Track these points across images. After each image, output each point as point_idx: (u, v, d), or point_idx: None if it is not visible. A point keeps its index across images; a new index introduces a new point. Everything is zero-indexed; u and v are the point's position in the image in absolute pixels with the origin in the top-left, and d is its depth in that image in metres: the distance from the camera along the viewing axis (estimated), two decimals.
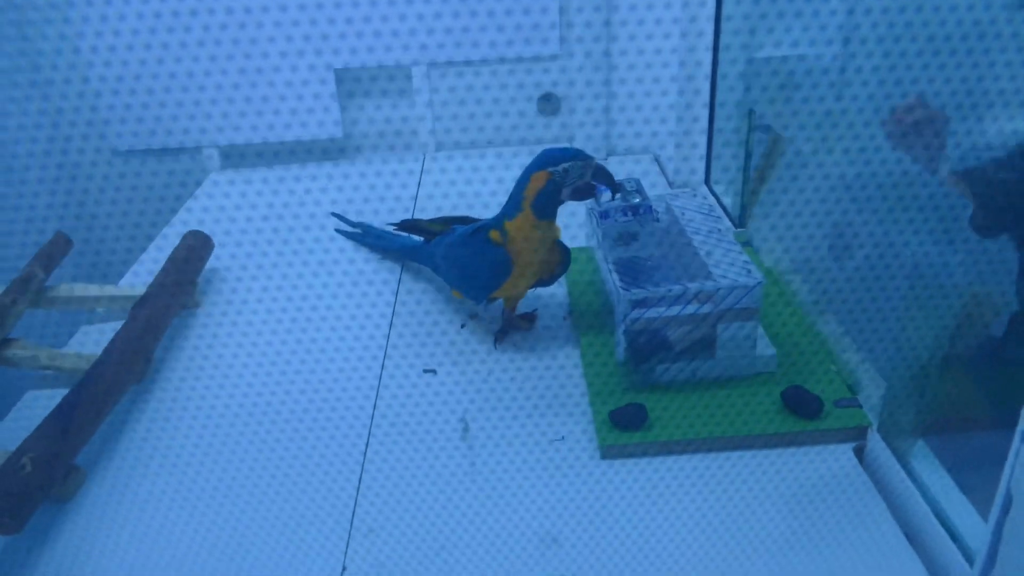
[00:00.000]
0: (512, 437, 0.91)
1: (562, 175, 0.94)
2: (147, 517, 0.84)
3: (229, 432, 0.95)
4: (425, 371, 1.02)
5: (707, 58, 1.28)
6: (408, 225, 1.25)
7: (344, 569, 0.76)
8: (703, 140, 1.37)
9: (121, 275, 1.32)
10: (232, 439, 0.94)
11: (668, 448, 0.87)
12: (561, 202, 0.97)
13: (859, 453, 0.86)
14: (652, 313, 0.90)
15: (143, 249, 1.39)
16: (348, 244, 1.35)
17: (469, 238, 1.02)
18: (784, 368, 0.95)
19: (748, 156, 1.17)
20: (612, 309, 0.97)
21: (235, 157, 1.68)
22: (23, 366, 1.04)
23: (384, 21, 1.52)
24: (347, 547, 0.79)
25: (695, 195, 1.10)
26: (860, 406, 0.89)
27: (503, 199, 1.38)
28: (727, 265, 0.92)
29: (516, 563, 0.76)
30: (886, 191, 1.14)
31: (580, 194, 0.96)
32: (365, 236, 1.34)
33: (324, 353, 1.07)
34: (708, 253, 0.95)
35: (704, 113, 1.34)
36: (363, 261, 1.30)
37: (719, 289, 0.89)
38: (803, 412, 0.88)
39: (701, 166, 1.41)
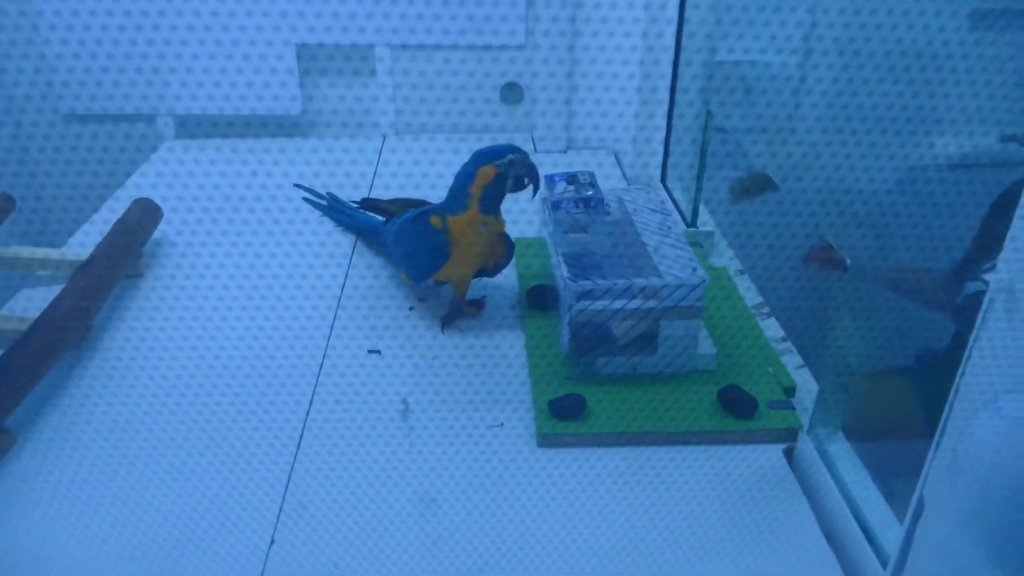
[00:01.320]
0: (452, 420, 0.91)
1: (507, 167, 0.96)
2: (76, 483, 0.83)
3: (165, 402, 0.94)
4: (370, 351, 1.02)
5: (668, 57, 1.30)
6: (368, 203, 1.26)
7: (273, 541, 0.76)
8: (661, 138, 1.39)
9: (66, 239, 1.29)
10: (168, 409, 0.93)
11: (604, 440, 0.88)
12: (503, 196, 0.99)
13: (789, 454, 0.88)
14: (597, 305, 0.91)
15: (92, 213, 1.37)
16: (299, 219, 1.34)
17: (413, 221, 1.04)
18: (723, 367, 0.97)
19: (703, 156, 1.19)
20: (559, 299, 0.98)
21: (190, 127, 1.65)
22: None
23: None
24: (278, 520, 0.79)
25: (648, 191, 1.12)
26: (793, 408, 0.91)
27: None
28: (673, 262, 0.94)
29: (443, 544, 0.77)
30: (834, 199, 1.17)
31: (517, 185, 0.98)
32: (329, 208, 1.35)
33: (268, 327, 1.07)
34: (656, 249, 0.97)
35: (662, 111, 1.35)
36: (313, 236, 1.30)
37: (664, 286, 0.91)
38: (738, 412, 0.90)
39: (658, 164, 1.42)
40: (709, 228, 1.27)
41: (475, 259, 1.02)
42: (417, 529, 0.78)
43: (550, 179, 1.06)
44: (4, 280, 1.16)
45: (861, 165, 1.26)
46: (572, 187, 1.01)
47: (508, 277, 1.15)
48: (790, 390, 0.95)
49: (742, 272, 1.23)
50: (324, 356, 1.01)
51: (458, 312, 1.08)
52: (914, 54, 1.24)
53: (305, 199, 1.39)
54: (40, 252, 1.12)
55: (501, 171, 0.96)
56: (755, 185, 1.21)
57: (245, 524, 0.78)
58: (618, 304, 0.91)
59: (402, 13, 1.52)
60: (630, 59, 1.39)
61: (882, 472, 0.83)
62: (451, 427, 0.90)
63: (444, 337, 1.05)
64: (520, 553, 0.76)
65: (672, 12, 1.27)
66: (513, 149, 0.97)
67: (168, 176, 1.51)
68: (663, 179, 1.42)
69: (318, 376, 0.98)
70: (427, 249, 1.01)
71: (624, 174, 1.49)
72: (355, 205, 1.30)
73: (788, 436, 0.89)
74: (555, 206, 0.98)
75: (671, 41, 1.29)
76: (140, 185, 1.46)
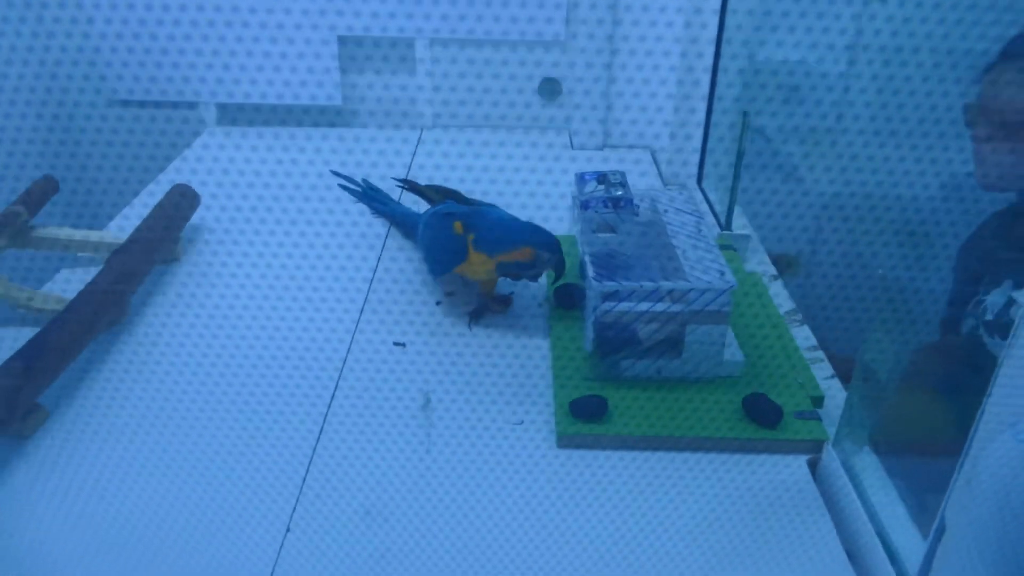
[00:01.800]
0: (472, 416, 0.91)
1: (539, 260, 0.98)
2: (103, 461, 0.85)
3: (192, 383, 0.96)
4: (395, 344, 1.02)
5: (707, 56, 1.28)
6: (410, 184, 1.27)
7: (288, 530, 0.77)
8: (698, 138, 1.37)
9: (108, 222, 1.32)
10: (196, 390, 0.95)
11: (624, 443, 0.88)
12: (519, 279, 1.02)
13: (813, 466, 0.87)
14: (623, 307, 0.90)
15: (133, 197, 1.39)
16: (336, 208, 1.35)
17: (440, 217, 1.05)
18: (750, 375, 0.96)
19: (740, 158, 1.17)
20: (584, 299, 0.97)
21: (233, 114, 1.68)
22: None
23: None
24: (294, 509, 0.79)
25: (681, 192, 1.10)
26: (819, 419, 0.90)
27: (496, 178, 1.38)
28: (702, 266, 0.93)
29: (456, 540, 0.77)
30: (870, 206, 1.15)
31: (532, 277, 1.02)
32: (364, 195, 1.36)
33: (298, 315, 1.08)
34: (685, 253, 0.95)
35: (700, 111, 1.33)
36: (347, 225, 1.30)
37: (691, 290, 0.89)
38: (762, 420, 0.89)
39: (694, 164, 1.40)
40: (745, 232, 1.25)
41: (488, 275, 1.04)
42: (430, 523, 0.78)
43: (580, 177, 1.06)
44: (46, 260, 1.19)
45: (900, 168, 1.23)
46: (602, 186, 1.00)
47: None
48: (818, 400, 0.93)
49: (776, 277, 1.21)
50: (350, 346, 1.02)
51: (485, 308, 1.08)
52: (964, 58, 1.21)
53: (341, 185, 1.40)
54: (80, 234, 1.15)
55: (536, 259, 0.98)
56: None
57: (267, 509, 0.79)
58: (644, 306, 0.90)
59: (443, 7, 1.52)
60: (669, 57, 1.37)
61: (915, 487, 0.81)
62: (470, 423, 0.90)
63: (470, 333, 1.05)
64: (535, 552, 0.76)
65: (713, 9, 1.25)
66: (557, 248, 0.98)
67: (208, 162, 1.53)
68: (699, 180, 1.40)
69: (343, 366, 0.99)
70: (446, 248, 1.03)
71: (660, 174, 1.48)
72: (398, 184, 1.31)
73: (813, 448, 0.88)
74: (584, 205, 0.97)
75: (711, 39, 1.27)
76: (181, 170, 1.49)
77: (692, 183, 1.42)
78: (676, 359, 0.93)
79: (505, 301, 1.09)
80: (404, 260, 1.21)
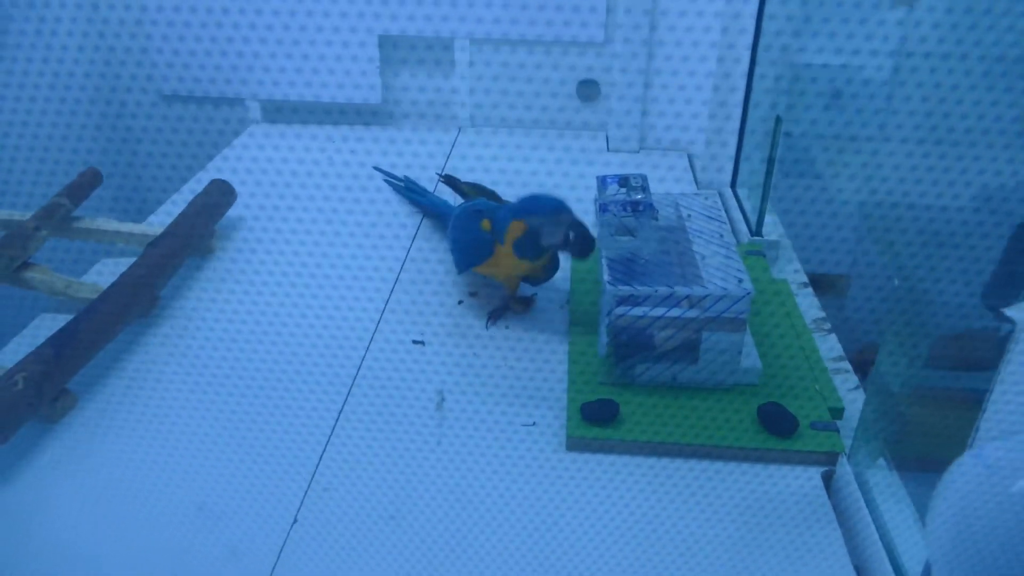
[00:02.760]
0: (486, 415, 0.92)
1: (536, 228, 0.95)
2: (128, 447, 0.88)
3: (217, 374, 0.98)
4: (414, 342, 1.03)
5: (744, 59, 1.26)
6: (448, 179, 1.30)
7: (295, 521, 0.79)
8: (733, 143, 1.35)
9: (150, 214, 1.36)
10: (220, 382, 0.97)
11: (634, 448, 0.87)
12: (542, 250, 0.98)
13: (827, 479, 0.85)
14: (637, 311, 0.90)
15: (175, 191, 1.43)
16: (370, 207, 1.37)
17: (469, 214, 1.06)
18: (769, 383, 0.94)
19: (771, 163, 1.15)
20: (603, 302, 0.97)
21: (276, 112, 1.71)
22: (39, 290, 1.08)
23: None
24: (302, 501, 0.81)
25: (707, 198, 1.09)
26: (837, 431, 0.88)
27: (530, 180, 1.39)
28: (720, 272, 0.92)
29: (463, 538, 0.77)
30: (913, 216, 1.11)
31: (573, 249, 0.96)
32: (406, 189, 1.39)
33: (323, 309, 1.10)
34: (704, 258, 0.94)
35: (737, 115, 1.32)
36: (383, 223, 1.32)
37: (706, 295, 0.89)
38: (776, 430, 0.87)
39: (729, 169, 1.39)
40: (775, 238, 1.23)
41: (513, 272, 1.04)
42: (435, 521, 0.79)
43: (602, 180, 1.05)
44: (88, 250, 1.23)
45: (945, 179, 1.19)
46: (624, 190, 0.99)
47: (560, 278, 1.14)
48: (837, 412, 0.91)
49: (806, 285, 1.19)
50: (370, 342, 1.04)
51: (506, 308, 1.08)
52: (1015, 65, 1.17)
53: (385, 180, 1.43)
54: (118, 225, 1.19)
55: (530, 229, 0.96)
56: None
57: (277, 500, 0.81)
58: (659, 311, 0.89)
59: (482, 7, 1.52)
60: (706, 61, 1.36)
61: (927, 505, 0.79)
62: (484, 422, 0.91)
63: (489, 332, 1.05)
64: (541, 554, 0.76)
65: (751, 13, 1.23)
66: (554, 209, 0.94)
67: (249, 158, 1.56)
68: (733, 185, 1.38)
69: (361, 362, 1.00)
70: (472, 244, 1.03)
71: (695, 178, 1.46)
72: (438, 177, 1.34)
73: (828, 460, 0.86)
74: (602, 208, 0.97)
75: (748, 44, 1.25)
76: (223, 166, 1.52)
77: (726, 188, 1.41)
78: (692, 365, 0.92)
79: (526, 302, 1.10)
80: (432, 258, 1.22)
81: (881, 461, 0.81)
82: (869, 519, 0.77)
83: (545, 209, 0.95)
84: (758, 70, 1.27)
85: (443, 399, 0.94)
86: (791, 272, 1.21)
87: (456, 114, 1.66)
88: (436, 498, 0.82)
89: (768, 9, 1.22)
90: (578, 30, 1.54)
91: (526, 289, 1.11)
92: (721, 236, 1.00)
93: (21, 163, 1.36)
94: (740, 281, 0.90)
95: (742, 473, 0.85)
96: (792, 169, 1.29)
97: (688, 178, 1.47)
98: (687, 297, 0.89)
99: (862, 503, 0.79)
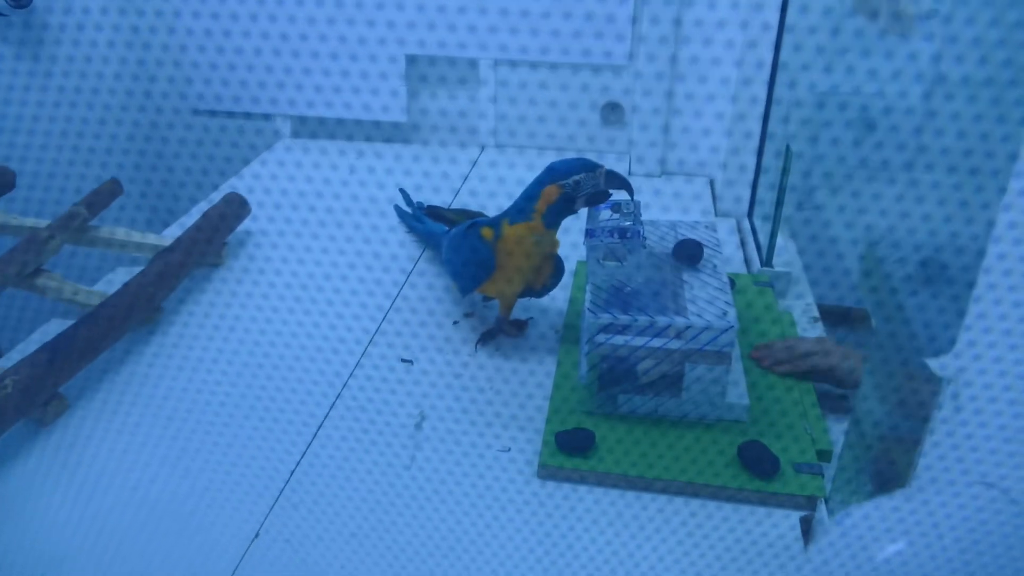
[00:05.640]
0: (462, 438, 0.91)
1: (573, 187, 0.94)
2: (110, 453, 0.90)
3: (211, 385, 0.99)
4: (403, 360, 1.03)
5: (762, 87, 1.23)
6: (432, 211, 1.29)
7: (256, 535, 0.79)
8: (752, 170, 1.32)
9: (170, 225, 1.40)
10: (209, 390, 0.99)
11: (607, 480, 0.85)
12: (574, 212, 0.96)
13: (807, 524, 0.82)
14: (618, 340, 0.88)
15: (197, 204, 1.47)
16: (382, 224, 1.38)
17: (464, 233, 1.04)
18: (757, 420, 0.91)
19: (781, 192, 1.12)
20: (584, 329, 0.95)
21: (305, 128, 1.74)
22: (49, 296, 1.12)
23: (461, 12, 1.53)
24: (267, 515, 0.81)
25: (706, 225, 1.06)
26: (822, 474, 0.84)
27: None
28: (705, 304, 0.89)
29: (424, 561, 0.76)
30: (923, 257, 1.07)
31: (594, 200, 0.96)
32: (403, 214, 1.38)
33: (320, 325, 1.10)
34: (691, 288, 0.92)
35: (755, 142, 1.29)
36: (394, 240, 1.33)
37: (689, 326, 0.86)
38: (757, 470, 0.84)
39: (747, 196, 1.35)
40: (787, 269, 1.19)
41: (520, 275, 1.01)
42: (403, 543, 0.78)
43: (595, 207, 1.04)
44: (104, 259, 1.27)
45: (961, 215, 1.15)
46: (616, 215, 0.98)
47: (556, 300, 1.13)
48: (825, 454, 0.88)
49: (817, 320, 1.15)
50: (360, 359, 1.04)
51: (499, 330, 1.07)
52: None
53: (396, 207, 1.42)
54: (131, 235, 1.22)
55: (566, 191, 0.94)
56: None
57: (238, 514, 0.81)
58: (640, 341, 0.87)
59: (509, 29, 1.53)
60: (728, 86, 1.33)
61: None
62: (459, 445, 0.90)
63: (478, 355, 1.05)
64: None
65: (770, 40, 1.21)
66: (584, 166, 0.94)
67: (270, 174, 1.59)
68: (750, 214, 1.35)
69: (347, 379, 1.00)
70: (473, 261, 1.01)
71: (715, 205, 1.43)
72: (423, 208, 1.33)
73: (809, 504, 0.82)
74: (590, 234, 0.95)
75: (766, 70, 1.22)
76: (245, 180, 1.55)
77: (743, 216, 1.38)
78: (675, 398, 0.90)
79: (520, 325, 1.09)
80: (434, 277, 1.22)
81: (856, 506, 0.77)
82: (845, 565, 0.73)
83: (576, 165, 0.94)
84: (775, 98, 1.24)
85: (423, 419, 0.94)
86: (802, 305, 1.17)
87: (480, 133, 1.66)
88: (402, 519, 0.81)
89: (786, 38, 1.20)
90: (602, 52, 1.53)
91: (521, 312, 1.10)
92: (715, 266, 0.97)
93: (52, 173, 1.42)
94: (724, 314, 0.87)
95: (718, 513, 0.82)
96: (808, 199, 1.26)
97: (707, 205, 1.44)
98: (669, 327, 0.87)
99: (838, 548, 0.75)
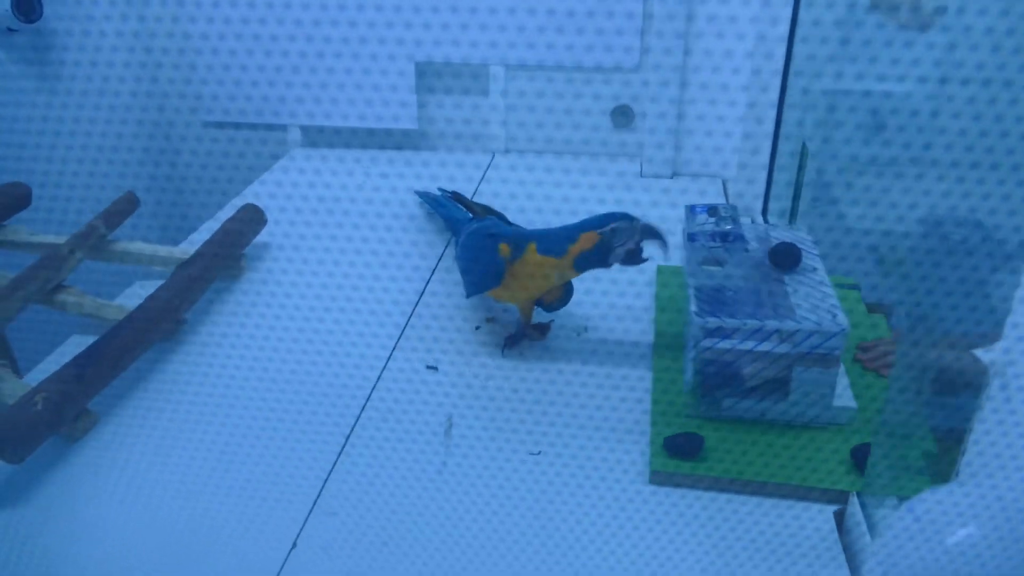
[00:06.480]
0: (490, 444, 0.91)
1: (610, 235, 0.95)
2: (141, 467, 0.90)
3: (238, 396, 1.00)
4: (428, 367, 1.04)
5: (774, 86, 1.24)
6: (457, 197, 1.30)
7: (294, 545, 0.79)
8: (765, 169, 1.33)
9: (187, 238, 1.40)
10: (241, 402, 0.99)
11: (718, 484, 0.85)
12: (607, 266, 0.97)
13: (839, 517, 0.82)
14: (725, 344, 0.88)
15: (212, 216, 1.47)
16: (401, 232, 1.39)
17: (483, 236, 1.04)
18: (864, 423, 0.91)
19: (797, 189, 1.13)
20: (689, 334, 0.95)
21: (316, 137, 1.75)
22: (70, 311, 1.12)
23: (469, 19, 1.54)
24: (304, 525, 0.81)
25: (798, 229, 1.06)
26: (927, 475, 0.84)
27: (561, 205, 1.37)
28: (812, 306, 0.89)
29: (459, 569, 0.77)
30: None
31: (631, 258, 0.96)
32: (430, 200, 1.40)
33: (342, 335, 1.11)
34: (796, 291, 0.92)
35: (768, 141, 1.29)
36: (408, 251, 1.33)
37: (798, 330, 0.86)
38: None
39: (761, 196, 1.36)
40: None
41: (526, 293, 1.02)
42: (432, 550, 0.78)
43: (691, 210, 1.04)
44: (123, 272, 1.27)
45: (985, 206, 1.15)
46: (712, 219, 0.98)
47: (575, 303, 1.12)
48: (930, 455, 0.87)
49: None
50: (385, 368, 1.04)
51: (522, 335, 1.08)
52: None
53: (419, 194, 1.43)
54: (150, 248, 1.22)
55: (604, 238, 0.95)
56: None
57: (276, 523, 0.82)
58: (748, 345, 0.87)
59: (518, 34, 1.54)
60: (739, 86, 1.34)
61: None
62: (487, 450, 0.90)
63: (503, 359, 1.05)
64: None
65: (781, 38, 1.21)
66: (623, 217, 0.95)
67: (284, 184, 1.60)
68: (764, 212, 1.36)
69: (373, 388, 1.01)
70: (483, 269, 1.01)
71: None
72: (446, 193, 1.35)
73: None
74: (691, 238, 0.95)
75: (778, 69, 1.23)
76: (258, 193, 1.56)
77: (757, 215, 1.38)
78: (782, 401, 0.90)
79: (542, 329, 1.09)
80: (452, 284, 1.22)
81: (891, 500, 0.77)
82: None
83: (614, 215, 0.95)
84: (788, 96, 1.24)
85: (451, 425, 0.94)
86: None
87: (491, 139, 1.67)
88: (434, 525, 0.81)
89: (799, 35, 1.20)
90: (612, 56, 1.53)
91: (542, 316, 1.11)
92: (814, 268, 0.97)
93: (67, 188, 1.42)
94: (834, 316, 0.87)
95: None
96: (822, 195, 1.26)
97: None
98: (777, 331, 0.87)
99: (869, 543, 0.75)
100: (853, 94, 1.32)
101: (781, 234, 1.05)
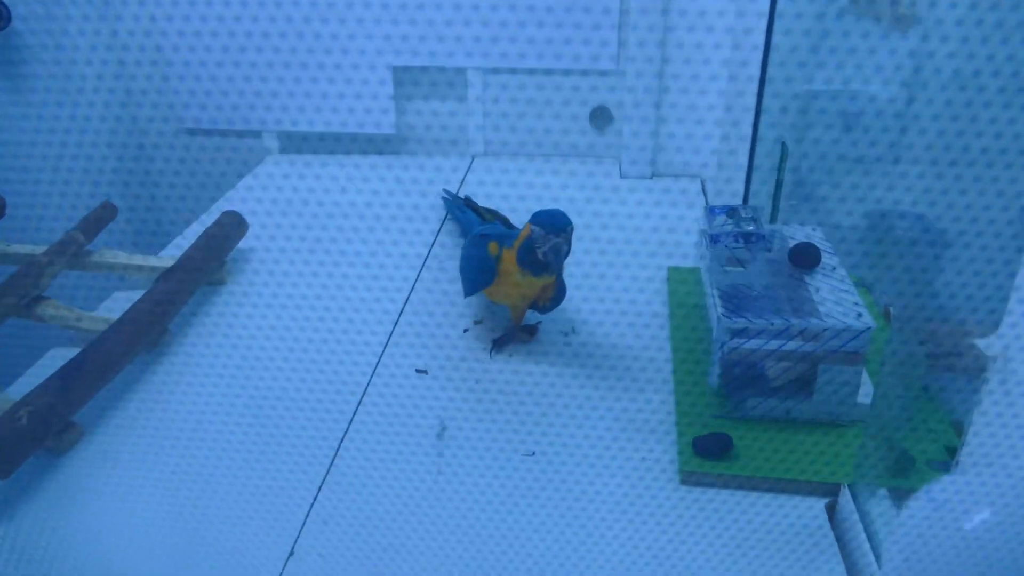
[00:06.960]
0: (480, 446, 0.91)
1: (535, 237, 0.95)
2: (129, 479, 0.89)
3: (223, 404, 0.99)
4: (417, 371, 1.04)
5: (752, 85, 1.25)
6: (468, 203, 1.35)
7: (291, 553, 0.79)
8: (744, 169, 1.34)
9: (165, 246, 1.38)
10: (225, 413, 0.98)
11: (749, 483, 0.85)
12: (540, 263, 0.97)
13: (831, 509, 0.83)
14: (751, 344, 0.88)
15: (190, 224, 1.46)
16: (385, 236, 1.39)
17: (478, 238, 1.06)
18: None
19: (778, 188, 1.14)
20: (711, 335, 0.95)
21: (293, 142, 1.74)
22: (51, 323, 1.10)
23: (446, 23, 1.54)
24: (300, 532, 0.81)
25: (814, 229, 1.07)
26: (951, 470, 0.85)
27: (541, 207, 1.38)
28: (836, 305, 0.90)
29: (460, 571, 0.77)
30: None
31: (546, 257, 0.96)
32: (451, 204, 1.43)
33: (329, 340, 1.10)
34: (818, 290, 0.93)
35: (746, 141, 1.31)
36: (392, 254, 1.33)
37: (825, 329, 0.86)
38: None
39: (740, 195, 1.37)
40: None
41: (517, 290, 1.03)
42: (430, 555, 0.78)
43: (711, 211, 1.04)
44: (102, 283, 1.25)
45: (962, 202, 1.17)
46: (732, 220, 0.99)
47: (564, 306, 1.13)
48: (952, 450, 0.89)
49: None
50: (374, 372, 1.04)
51: (511, 337, 1.08)
52: None
53: (444, 198, 1.47)
54: (131, 258, 1.21)
55: (532, 235, 0.96)
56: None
57: (271, 532, 0.81)
58: (773, 344, 0.88)
59: (495, 37, 1.54)
60: (717, 86, 1.35)
61: None
62: (475, 450, 0.91)
63: (491, 361, 1.05)
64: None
65: (758, 38, 1.23)
66: (554, 227, 0.94)
67: (263, 190, 1.59)
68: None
69: (364, 393, 1.00)
70: (478, 268, 1.03)
71: (708, 204, 1.45)
72: (457, 199, 1.39)
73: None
74: (714, 239, 0.96)
75: (756, 68, 1.24)
76: (237, 197, 1.55)
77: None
78: (806, 400, 0.90)
79: (530, 331, 1.09)
80: (438, 287, 1.22)
81: (882, 491, 0.79)
82: (868, 550, 0.75)
83: (548, 221, 0.95)
84: (766, 94, 1.26)
85: (444, 428, 0.94)
86: None
87: (470, 142, 1.67)
88: (432, 530, 0.81)
89: (776, 36, 1.22)
90: (590, 58, 1.54)
91: (531, 317, 1.11)
92: (832, 267, 0.98)
93: (42, 198, 1.40)
94: (860, 315, 0.88)
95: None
96: (796, 192, 1.28)
97: (700, 204, 1.46)
98: (803, 331, 0.87)
99: (862, 535, 0.77)
100: (827, 94, 1.34)
101: (795, 233, 1.06)
